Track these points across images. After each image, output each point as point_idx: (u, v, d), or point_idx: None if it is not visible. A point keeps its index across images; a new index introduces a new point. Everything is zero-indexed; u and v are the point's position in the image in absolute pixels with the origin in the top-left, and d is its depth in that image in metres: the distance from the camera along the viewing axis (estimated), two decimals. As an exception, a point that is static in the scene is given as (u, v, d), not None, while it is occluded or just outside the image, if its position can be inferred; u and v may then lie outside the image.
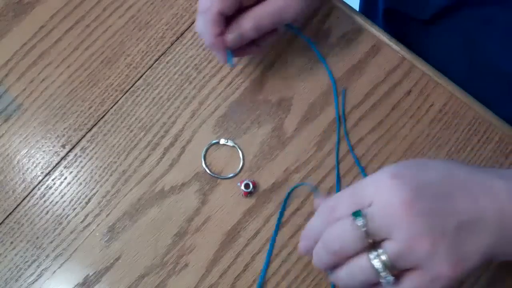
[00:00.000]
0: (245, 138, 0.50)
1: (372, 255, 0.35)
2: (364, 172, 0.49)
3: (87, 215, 0.48)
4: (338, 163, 0.49)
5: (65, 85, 0.52)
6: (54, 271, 0.47)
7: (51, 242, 0.48)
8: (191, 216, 0.48)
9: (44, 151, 0.50)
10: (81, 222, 0.48)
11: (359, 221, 0.34)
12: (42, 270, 0.47)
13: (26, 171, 0.50)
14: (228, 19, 0.45)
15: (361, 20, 0.53)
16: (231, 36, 0.45)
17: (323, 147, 0.50)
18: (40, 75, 0.52)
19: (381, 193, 0.35)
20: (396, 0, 0.63)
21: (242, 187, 0.48)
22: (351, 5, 0.55)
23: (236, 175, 0.49)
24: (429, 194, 0.35)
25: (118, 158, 0.50)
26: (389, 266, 0.34)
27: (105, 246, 0.47)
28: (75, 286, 0.46)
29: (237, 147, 0.50)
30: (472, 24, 0.55)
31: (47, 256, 0.47)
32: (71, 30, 0.54)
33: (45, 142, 0.51)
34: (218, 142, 0.50)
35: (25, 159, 0.50)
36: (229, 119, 0.51)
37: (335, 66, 0.52)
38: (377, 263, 0.34)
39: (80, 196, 0.49)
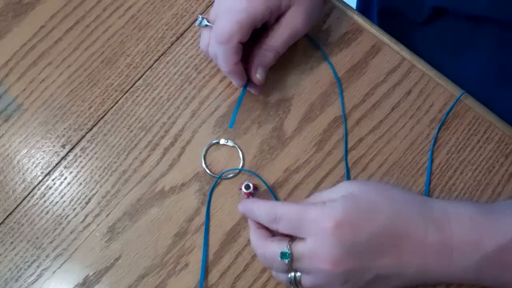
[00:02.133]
0: (245, 138, 0.50)
1: (291, 276, 0.41)
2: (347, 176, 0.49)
3: (87, 215, 0.48)
4: (346, 156, 0.49)
5: (65, 85, 0.52)
6: (54, 271, 0.47)
7: (51, 242, 0.48)
8: (191, 216, 0.48)
9: (44, 151, 0.50)
10: (81, 222, 0.48)
11: (285, 261, 0.40)
12: (42, 270, 0.47)
13: (26, 171, 0.50)
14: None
15: (361, 20, 0.53)
16: (259, 76, 0.48)
17: (323, 147, 0.50)
18: (40, 75, 0.52)
19: (315, 240, 0.39)
20: (391, 0, 0.63)
21: (243, 189, 0.48)
22: (348, 3, 0.55)
23: (236, 175, 0.49)
24: (359, 253, 0.39)
25: (118, 158, 0.50)
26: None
27: (105, 246, 0.47)
28: (75, 286, 0.46)
29: (237, 147, 0.50)
30: (464, 25, 0.55)
31: (47, 256, 0.47)
32: (71, 30, 0.54)
33: (45, 142, 0.51)
34: (218, 142, 0.50)
35: (25, 159, 0.50)
36: (229, 119, 0.51)
37: (335, 66, 0.52)
38: (292, 283, 0.41)
39: (80, 196, 0.49)
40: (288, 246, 0.40)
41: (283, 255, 0.40)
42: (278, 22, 0.47)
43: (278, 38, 0.47)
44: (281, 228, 0.41)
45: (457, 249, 0.39)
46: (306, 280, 0.41)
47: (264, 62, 0.48)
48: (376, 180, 0.48)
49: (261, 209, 0.43)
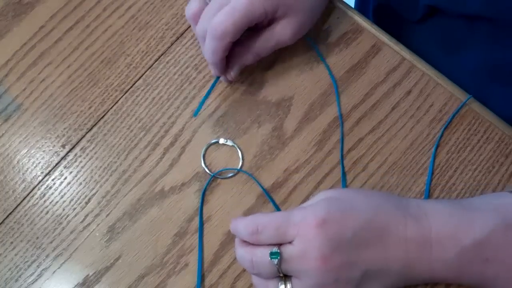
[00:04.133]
0: (245, 138, 0.50)
1: (281, 286, 0.41)
2: (344, 181, 0.49)
3: (87, 215, 0.48)
4: (342, 159, 0.49)
5: (65, 85, 0.52)
6: (54, 271, 0.47)
7: (51, 242, 0.48)
8: (191, 216, 0.48)
9: (44, 151, 0.50)
10: (81, 222, 0.48)
11: (275, 261, 0.40)
12: (42, 270, 0.47)
13: (26, 171, 0.50)
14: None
15: (361, 20, 0.53)
16: (233, 74, 0.49)
17: (323, 147, 0.50)
18: (40, 75, 0.52)
19: (303, 239, 0.40)
20: None
21: None
22: (348, 3, 0.55)
23: (235, 175, 0.49)
24: (346, 248, 0.40)
25: (118, 158, 0.50)
26: None
27: (105, 246, 0.47)
28: (75, 286, 0.46)
29: (236, 147, 0.50)
30: (458, 23, 0.55)
31: (47, 256, 0.47)
32: (71, 30, 0.54)
33: (45, 142, 0.51)
34: (217, 142, 0.50)
35: (25, 159, 0.50)
36: (229, 119, 0.51)
37: (335, 66, 0.52)
38: None
39: (80, 196, 0.49)
40: (277, 248, 0.40)
41: (272, 254, 0.40)
42: (269, 28, 0.48)
43: (264, 45, 0.48)
44: (265, 237, 0.41)
45: (436, 243, 0.40)
46: (297, 286, 0.41)
47: (244, 62, 0.49)
48: (375, 181, 0.49)
49: (242, 223, 0.42)
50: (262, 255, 0.41)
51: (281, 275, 0.41)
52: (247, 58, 0.49)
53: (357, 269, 0.40)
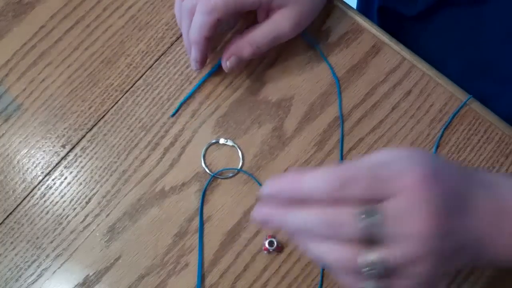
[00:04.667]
0: (245, 138, 0.50)
1: (366, 257, 0.31)
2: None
3: (87, 215, 0.48)
4: (342, 159, 0.49)
5: (65, 85, 0.52)
6: (54, 271, 0.47)
7: (51, 242, 0.48)
8: (191, 216, 0.48)
9: (44, 151, 0.50)
10: (81, 222, 0.48)
11: (364, 221, 0.31)
12: (42, 270, 0.47)
13: (26, 171, 0.50)
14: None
15: (361, 20, 0.53)
16: (229, 64, 0.48)
17: (323, 147, 0.50)
18: (40, 75, 0.52)
19: (409, 197, 0.31)
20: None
21: (266, 244, 0.46)
22: (348, 3, 0.55)
23: (235, 175, 0.49)
24: (451, 209, 0.32)
25: (118, 158, 0.50)
26: (378, 275, 0.31)
27: (105, 246, 0.47)
28: (75, 286, 0.46)
29: (236, 147, 0.50)
30: (464, 21, 0.55)
31: (47, 256, 0.47)
32: (71, 30, 0.54)
33: (45, 142, 0.51)
34: (217, 142, 0.50)
35: (25, 159, 0.50)
36: (229, 119, 0.51)
37: (335, 66, 0.52)
38: (367, 268, 0.31)
39: (80, 196, 0.49)
40: (373, 206, 0.31)
41: (368, 213, 0.30)
42: (268, 19, 0.48)
43: (263, 36, 0.47)
44: (355, 191, 0.31)
45: (506, 214, 0.34)
46: (390, 258, 0.31)
47: (241, 53, 0.48)
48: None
49: (315, 177, 0.32)
50: (348, 213, 0.31)
51: (365, 240, 0.31)
52: (246, 50, 0.48)
53: (457, 239, 0.33)
